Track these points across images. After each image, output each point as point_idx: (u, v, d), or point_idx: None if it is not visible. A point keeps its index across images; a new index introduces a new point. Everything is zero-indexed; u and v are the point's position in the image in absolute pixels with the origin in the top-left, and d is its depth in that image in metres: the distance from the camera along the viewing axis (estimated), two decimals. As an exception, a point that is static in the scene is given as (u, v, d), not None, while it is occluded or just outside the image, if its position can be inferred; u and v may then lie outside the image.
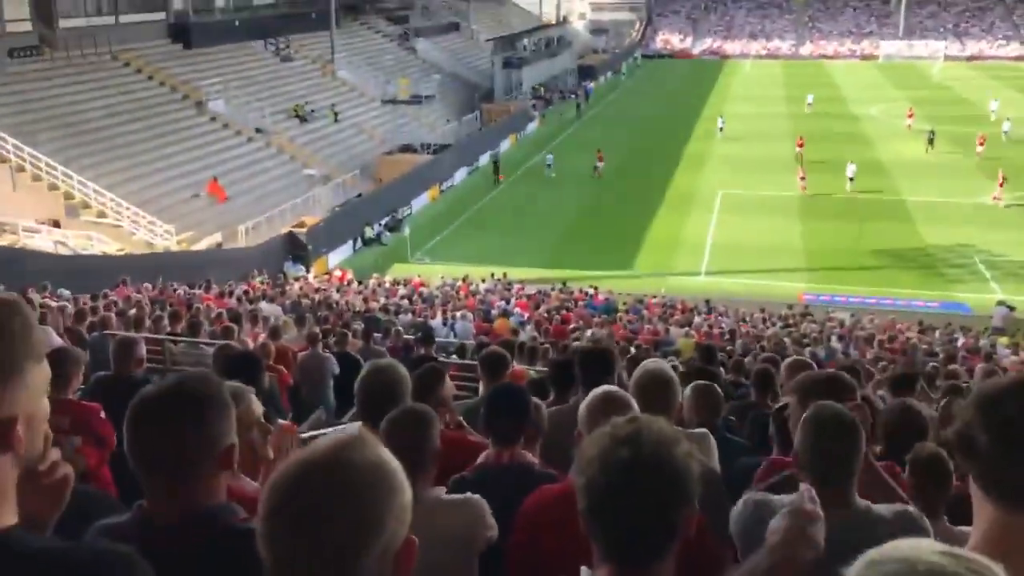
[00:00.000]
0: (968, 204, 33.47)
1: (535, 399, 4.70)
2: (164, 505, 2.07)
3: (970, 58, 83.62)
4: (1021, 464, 1.74)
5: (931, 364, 14.64)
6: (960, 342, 19.53)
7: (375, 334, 12.74)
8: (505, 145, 48.89)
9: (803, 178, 36.88)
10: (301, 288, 23.04)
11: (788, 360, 5.89)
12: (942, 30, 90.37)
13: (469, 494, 3.14)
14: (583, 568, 1.91)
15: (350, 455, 1.59)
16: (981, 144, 40.15)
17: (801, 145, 40.93)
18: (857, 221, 32.56)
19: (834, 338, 18.87)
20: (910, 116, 49.41)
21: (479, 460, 3.69)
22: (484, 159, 45.35)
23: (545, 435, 4.23)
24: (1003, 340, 20.81)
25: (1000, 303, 23.44)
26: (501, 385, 4.25)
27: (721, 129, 47.40)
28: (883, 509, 2.79)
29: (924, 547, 1.25)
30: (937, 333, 20.96)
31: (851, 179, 36.27)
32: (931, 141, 42.61)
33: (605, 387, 3.15)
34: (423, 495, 3.04)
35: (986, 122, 47.22)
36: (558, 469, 3.79)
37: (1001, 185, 34.17)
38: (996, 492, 1.78)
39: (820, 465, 2.84)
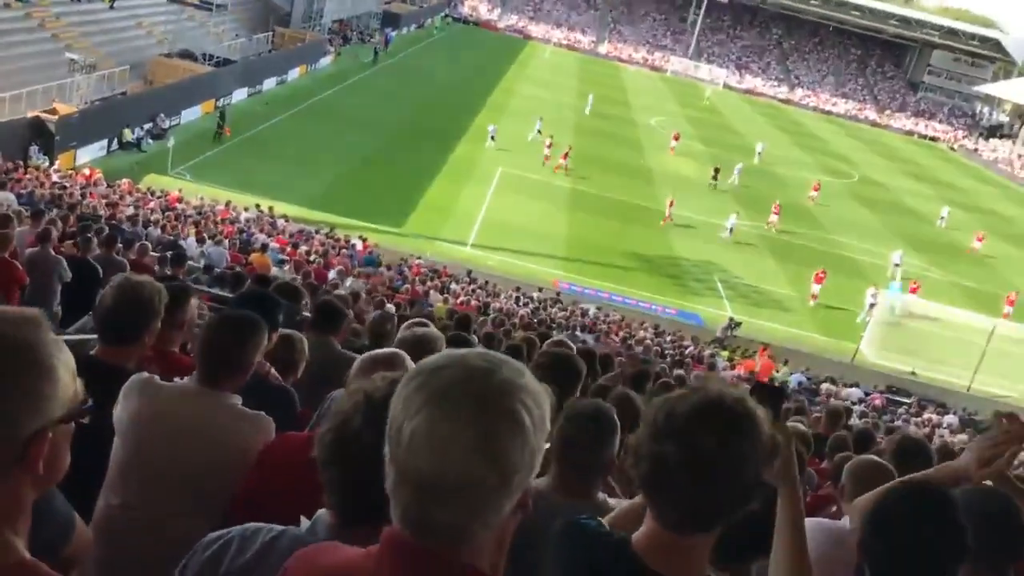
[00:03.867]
0: (718, 225, 35.92)
1: (298, 334, 4.58)
2: None
3: (746, 91, 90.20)
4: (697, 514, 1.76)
5: (660, 365, 15.72)
6: (688, 349, 21.13)
7: (118, 244, 11.79)
8: (294, 74, 47.04)
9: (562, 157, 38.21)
10: (39, 180, 21.00)
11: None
12: (726, 59, 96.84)
13: (263, 413, 3.10)
14: (321, 510, 1.91)
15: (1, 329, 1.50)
16: (776, 213, 37.42)
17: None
18: (619, 221, 34.24)
19: (579, 328, 19.79)
20: (675, 139, 49.44)
21: None
22: (269, 83, 43.37)
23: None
24: (724, 354, 22.76)
25: (731, 319, 25.57)
26: (248, 290, 4.09)
27: (492, 138, 41.29)
28: (614, 503, 2.88)
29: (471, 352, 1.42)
30: (668, 338, 22.53)
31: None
32: (715, 176, 42.26)
33: (394, 349, 3.19)
34: (224, 399, 3.07)
35: (750, 156, 50.60)
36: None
37: (820, 281, 29.68)
38: (671, 526, 1.79)
39: (570, 453, 2.91)
